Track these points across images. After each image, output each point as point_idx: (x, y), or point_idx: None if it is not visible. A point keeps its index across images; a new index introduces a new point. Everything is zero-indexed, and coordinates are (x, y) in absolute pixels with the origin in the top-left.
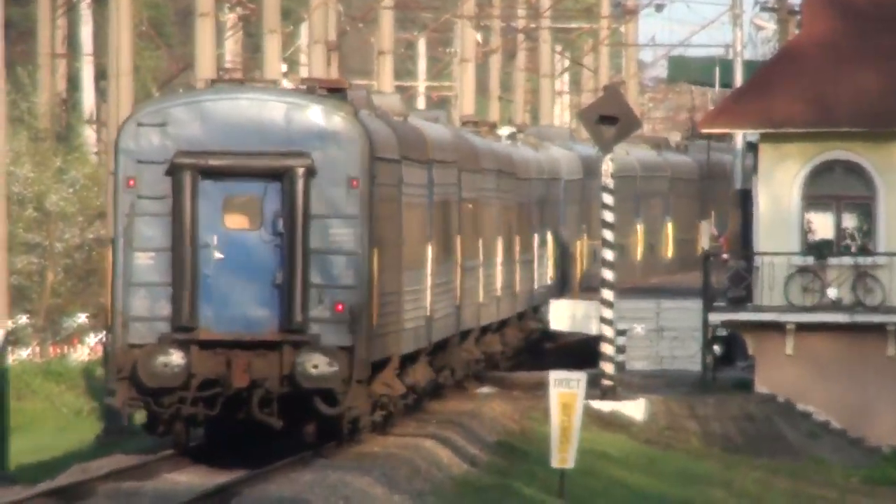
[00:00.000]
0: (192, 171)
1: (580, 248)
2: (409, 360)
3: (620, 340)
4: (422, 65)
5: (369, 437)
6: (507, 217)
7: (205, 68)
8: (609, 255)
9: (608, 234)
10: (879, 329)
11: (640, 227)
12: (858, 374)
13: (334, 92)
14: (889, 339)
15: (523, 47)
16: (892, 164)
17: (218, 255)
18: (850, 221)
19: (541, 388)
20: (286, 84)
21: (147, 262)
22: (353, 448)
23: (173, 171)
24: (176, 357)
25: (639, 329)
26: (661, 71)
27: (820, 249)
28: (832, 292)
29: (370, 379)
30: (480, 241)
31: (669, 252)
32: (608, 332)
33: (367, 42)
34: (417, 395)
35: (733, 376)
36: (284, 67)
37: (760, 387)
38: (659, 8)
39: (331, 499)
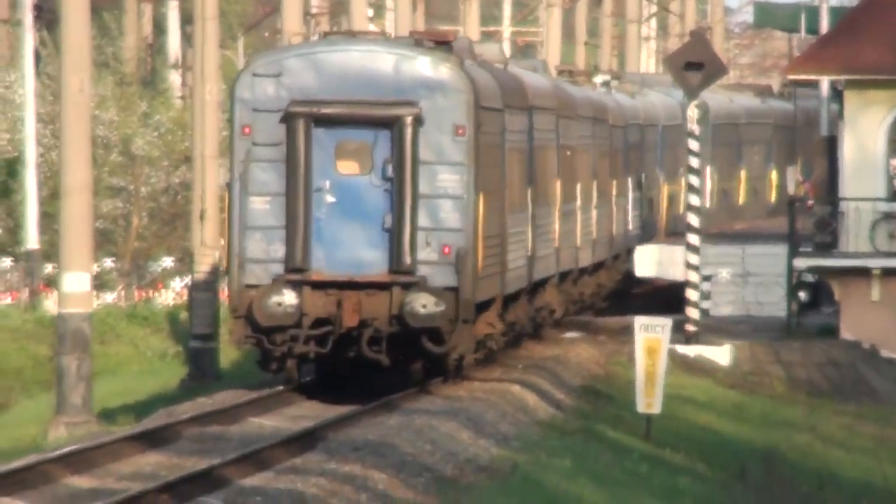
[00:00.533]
0: (305, 118)
1: (677, 192)
2: (510, 299)
3: (705, 286)
4: (507, 10)
5: (458, 381)
6: (602, 162)
7: (291, 13)
8: (695, 200)
9: (694, 180)
10: None
11: (743, 173)
12: None
13: (441, 44)
14: None
15: None
16: None
17: (330, 198)
18: None
19: (626, 333)
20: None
21: (262, 207)
22: (442, 390)
23: (287, 119)
24: (289, 297)
25: (724, 274)
26: (748, 17)
27: None
28: None
29: (474, 318)
30: (577, 186)
31: (773, 197)
32: (693, 277)
33: None
34: (517, 333)
35: (818, 322)
36: (370, 12)
37: (845, 333)
38: None
39: (417, 443)
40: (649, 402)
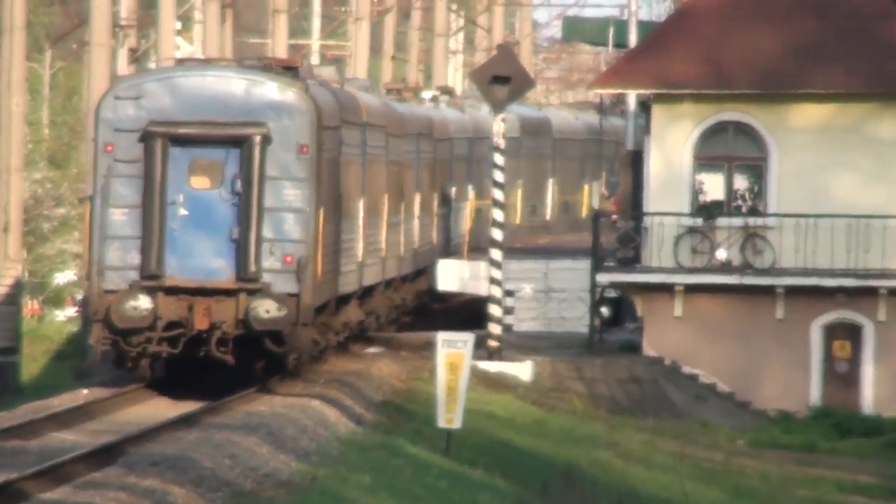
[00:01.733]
0: (162, 138)
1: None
2: (342, 301)
3: (508, 301)
4: (316, 23)
5: (256, 395)
6: (425, 175)
7: (99, 25)
8: (498, 215)
9: (498, 194)
10: (768, 291)
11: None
12: (746, 336)
13: (288, 69)
14: (777, 302)
15: (418, 6)
16: (784, 125)
17: (183, 211)
18: (741, 183)
19: (428, 348)
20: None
21: (121, 218)
22: (241, 406)
23: (146, 138)
24: (144, 301)
25: (527, 290)
26: (556, 31)
27: (710, 210)
28: (721, 254)
29: (313, 321)
30: (404, 197)
31: (583, 212)
32: (496, 292)
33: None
34: (349, 334)
35: (621, 338)
36: (179, 25)
37: (648, 349)
38: None
39: (216, 457)
40: (450, 417)
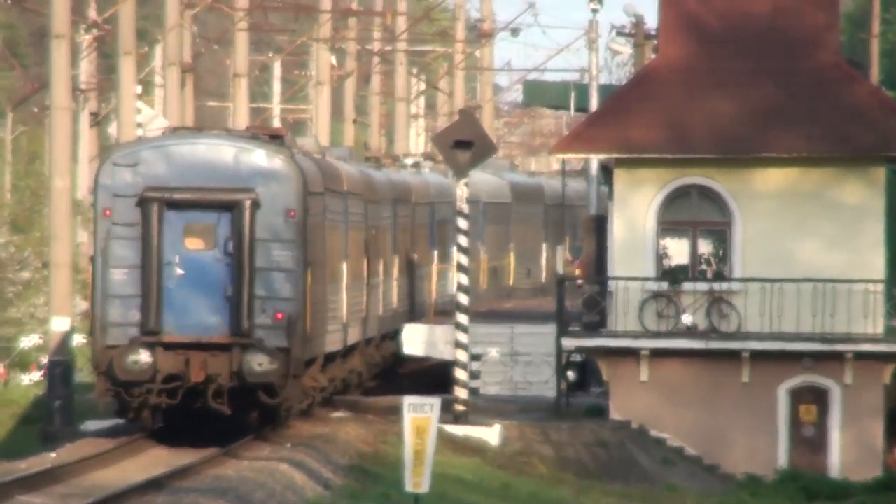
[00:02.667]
0: (158, 203)
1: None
2: (328, 359)
3: (475, 365)
4: (277, 87)
5: (223, 459)
6: (402, 238)
7: (60, 89)
8: (464, 279)
9: (463, 259)
10: (734, 356)
11: (513, 252)
12: (713, 400)
13: (274, 138)
14: (743, 366)
15: (378, 70)
16: (748, 189)
17: (179, 271)
18: (705, 247)
19: (395, 412)
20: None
21: (121, 278)
22: (208, 470)
23: (142, 203)
24: (144, 356)
25: (493, 354)
26: (517, 95)
27: (675, 275)
28: (687, 318)
29: (302, 374)
30: (381, 261)
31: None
32: (462, 357)
33: (223, 64)
34: (334, 388)
35: (587, 402)
36: (139, 89)
37: (615, 413)
38: (514, 32)
39: None
40: (417, 481)
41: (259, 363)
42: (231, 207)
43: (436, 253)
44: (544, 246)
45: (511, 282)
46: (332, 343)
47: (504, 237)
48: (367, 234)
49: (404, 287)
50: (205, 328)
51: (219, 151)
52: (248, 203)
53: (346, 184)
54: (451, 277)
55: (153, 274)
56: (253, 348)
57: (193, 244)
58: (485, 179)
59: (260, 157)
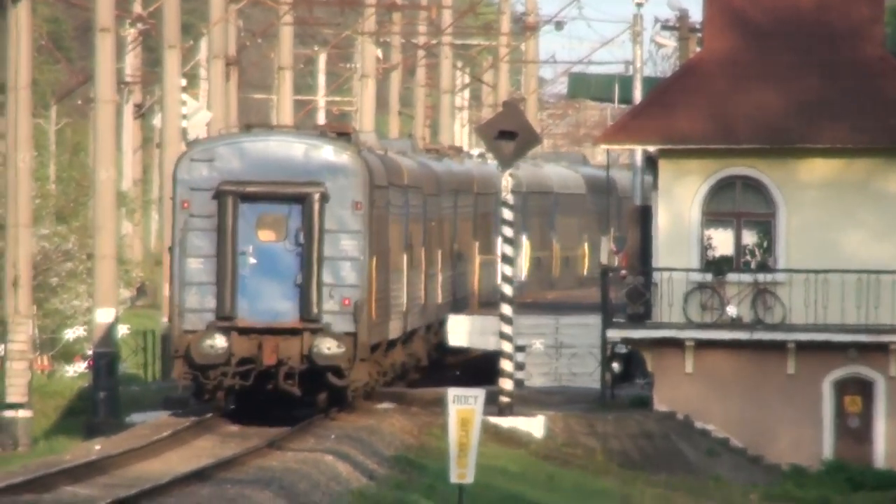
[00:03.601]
0: (232, 196)
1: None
2: (391, 344)
3: (519, 357)
4: (321, 80)
5: (267, 451)
6: (464, 228)
7: (104, 82)
8: (507, 269)
9: (507, 249)
10: (779, 347)
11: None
12: (758, 391)
13: (342, 135)
14: (788, 358)
15: (423, 63)
16: (792, 180)
17: (252, 260)
18: (749, 238)
19: (439, 403)
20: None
21: (198, 266)
22: (253, 461)
23: (218, 196)
24: (220, 340)
25: (538, 345)
26: (562, 88)
27: (719, 266)
28: (731, 310)
29: (368, 357)
30: (440, 251)
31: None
32: (507, 348)
33: (267, 57)
34: (396, 373)
35: (632, 394)
36: (184, 82)
37: (659, 404)
38: (559, 26)
39: None
40: (462, 472)
41: (328, 347)
42: (301, 200)
43: (500, 241)
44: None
45: (585, 271)
46: (395, 329)
47: (577, 228)
48: (426, 225)
49: (464, 276)
50: (276, 314)
51: (290, 148)
52: (317, 196)
53: (407, 178)
54: (518, 265)
55: (228, 263)
56: (322, 332)
57: (266, 235)
58: (557, 172)
59: (328, 153)
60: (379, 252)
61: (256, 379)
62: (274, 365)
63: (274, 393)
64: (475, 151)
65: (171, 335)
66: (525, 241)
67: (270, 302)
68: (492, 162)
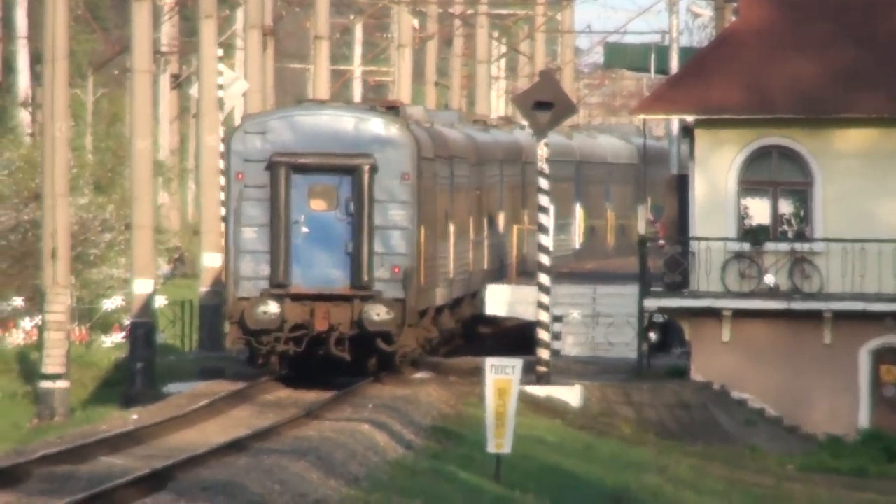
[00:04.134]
0: (285, 167)
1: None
2: (439, 310)
3: (556, 326)
4: (358, 50)
5: (304, 421)
6: (510, 196)
7: (141, 52)
8: (545, 239)
9: (543, 219)
10: (816, 316)
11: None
12: (795, 361)
13: (390, 109)
14: (825, 327)
15: (460, 33)
16: (829, 150)
17: (305, 229)
18: (786, 207)
19: (476, 373)
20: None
21: (252, 235)
22: (289, 431)
23: (271, 167)
24: (273, 307)
25: (575, 314)
26: (598, 57)
27: (756, 235)
28: (769, 278)
29: (417, 323)
30: (486, 219)
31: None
32: (544, 317)
33: (303, 27)
34: (444, 337)
35: (669, 363)
36: (220, 52)
37: (696, 374)
38: None
39: (266, 483)
40: (499, 442)
41: (377, 313)
42: (351, 171)
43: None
44: None
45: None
46: (442, 296)
47: (631, 197)
48: (471, 194)
49: (510, 243)
50: (328, 281)
51: (340, 121)
52: (367, 167)
53: (452, 149)
54: (571, 232)
55: (281, 232)
56: (372, 299)
57: (317, 205)
58: (611, 142)
59: (377, 126)
60: (426, 221)
61: (308, 344)
62: (325, 331)
63: (325, 358)
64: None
65: (226, 302)
66: (579, 210)
67: (322, 269)
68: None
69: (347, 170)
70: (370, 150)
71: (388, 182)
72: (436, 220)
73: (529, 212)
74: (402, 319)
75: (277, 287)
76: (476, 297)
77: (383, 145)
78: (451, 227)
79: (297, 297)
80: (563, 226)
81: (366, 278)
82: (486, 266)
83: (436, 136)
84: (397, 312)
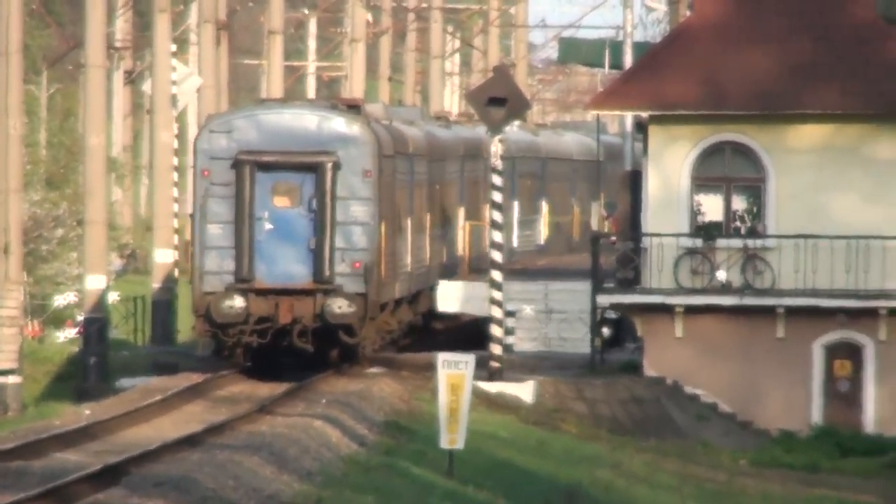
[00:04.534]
0: (250, 165)
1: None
2: (398, 303)
3: (509, 322)
4: (312, 44)
5: (257, 416)
6: (472, 192)
7: (95, 47)
8: (497, 236)
9: (497, 216)
10: (768, 312)
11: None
12: (747, 357)
13: (352, 107)
14: (778, 322)
15: (414, 28)
16: (782, 146)
17: (268, 226)
18: (739, 203)
19: (429, 369)
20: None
21: (217, 232)
22: (243, 426)
23: (236, 165)
24: (238, 301)
25: (528, 310)
26: (552, 53)
27: (709, 231)
28: (721, 274)
29: (378, 316)
30: (444, 214)
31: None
32: (497, 313)
33: (257, 21)
34: (403, 330)
35: (622, 359)
36: (174, 47)
37: (649, 369)
38: None
39: (220, 478)
40: (452, 437)
41: (339, 306)
42: (314, 169)
43: (516, 204)
44: None
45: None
46: (401, 290)
47: (595, 193)
48: (430, 189)
49: (463, 239)
50: (291, 276)
51: (303, 119)
52: (329, 165)
53: (412, 146)
54: (536, 228)
55: (245, 228)
56: (334, 293)
57: (281, 201)
58: (576, 139)
59: (340, 125)
60: (387, 217)
61: (272, 337)
62: (289, 323)
63: (288, 350)
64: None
65: (193, 296)
66: (545, 206)
67: (285, 265)
68: (509, 129)
69: (310, 167)
70: (332, 148)
71: (350, 179)
72: (396, 216)
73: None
74: (363, 312)
75: (242, 282)
76: (433, 290)
77: (345, 143)
78: (411, 222)
79: (262, 292)
80: (528, 222)
81: (328, 273)
82: (444, 260)
83: (396, 134)
84: (359, 306)
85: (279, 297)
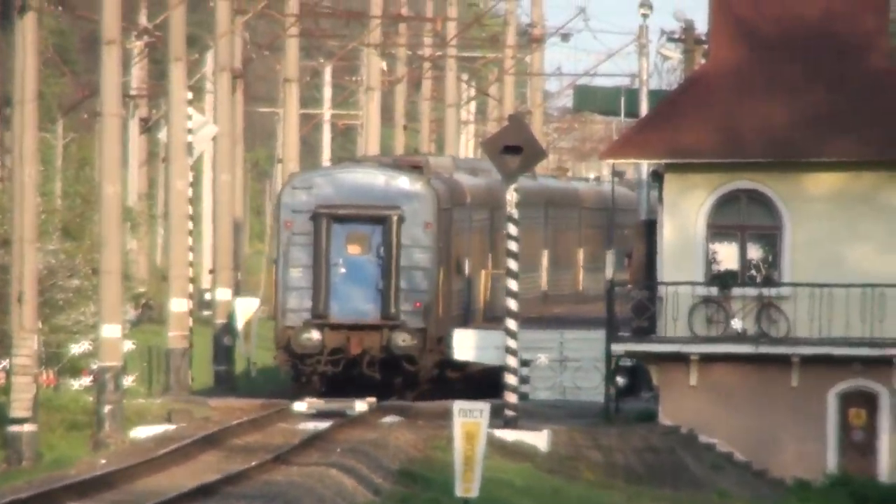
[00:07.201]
0: (326, 217)
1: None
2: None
3: (524, 370)
4: (327, 93)
5: (273, 465)
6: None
7: (110, 95)
8: (513, 284)
9: (512, 264)
10: (783, 360)
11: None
12: (762, 405)
13: (415, 168)
14: (793, 371)
15: (429, 76)
16: (798, 194)
17: (342, 270)
18: (755, 252)
19: (444, 417)
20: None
21: (298, 275)
22: (258, 476)
23: (315, 217)
24: (315, 334)
25: (542, 359)
26: (567, 101)
27: (724, 280)
28: (736, 323)
29: (436, 349)
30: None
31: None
32: (511, 362)
33: (273, 69)
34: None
35: (637, 407)
36: (190, 95)
37: (664, 418)
38: (565, 37)
39: None
40: (467, 486)
41: (403, 339)
42: (382, 221)
43: (582, 251)
44: None
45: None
46: (457, 325)
47: (603, 241)
48: (489, 236)
49: (478, 287)
50: (361, 313)
51: (373, 177)
52: (395, 218)
53: (469, 196)
54: (539, 275)
55: (322, 272)
56: (398, 328)
57: (353, 249)
58: (584, 187)
59: (404, 182)
60: (445, 262)
61: (344, 366)
62: (359, 354)
63: (359, 378)
64: (592, 175)
65: (276, 330)
66: (547, 253)
67: (356, 303)
68: (570, 178)
69: (379, 220)
70: (398, 203)
71: (413, 230)
72: (452, 261)
73: (551, 251)
74: (423, 344)
75: (318, 318)
76: None
77: (409, 199)
78: (467, 264)
79: (335, 327)
80: (530, 268)
81: (393, 310)
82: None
83: (454, 187)
84: (419, 339)
85: (350, 331)
